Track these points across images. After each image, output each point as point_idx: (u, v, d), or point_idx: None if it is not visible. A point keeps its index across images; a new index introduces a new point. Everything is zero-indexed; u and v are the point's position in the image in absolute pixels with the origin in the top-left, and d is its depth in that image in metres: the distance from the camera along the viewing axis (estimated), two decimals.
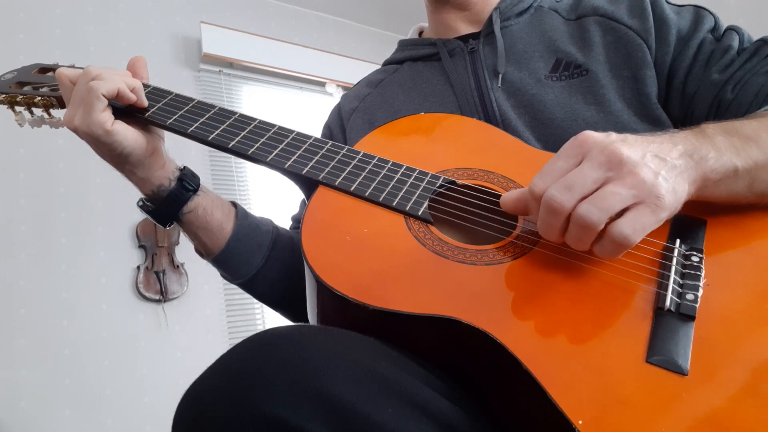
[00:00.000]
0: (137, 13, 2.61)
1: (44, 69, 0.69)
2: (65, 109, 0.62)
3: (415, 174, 0.55)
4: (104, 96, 0.55)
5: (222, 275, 0.71)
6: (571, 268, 0.45)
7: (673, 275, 0.43)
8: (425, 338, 0.43)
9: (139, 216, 2.32)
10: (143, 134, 0.60)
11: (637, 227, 0.39)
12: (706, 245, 0.46)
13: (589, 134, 0.43)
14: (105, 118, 0.56)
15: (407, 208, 0.52)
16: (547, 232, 0.43)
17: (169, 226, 0.65)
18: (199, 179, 0.66)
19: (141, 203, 0.64)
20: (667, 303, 0.41)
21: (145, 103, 0.60)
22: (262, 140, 0.59)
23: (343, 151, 0.58)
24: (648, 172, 0.40)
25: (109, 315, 2.20)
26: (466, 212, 0.53)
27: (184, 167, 0.65)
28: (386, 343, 0.41)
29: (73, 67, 0.69)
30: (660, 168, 0.41)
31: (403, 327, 0.43)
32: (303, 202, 0.78)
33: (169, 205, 0.63)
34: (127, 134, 0.57)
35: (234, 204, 0.70)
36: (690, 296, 0.41)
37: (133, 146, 0.58)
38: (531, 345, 0.39)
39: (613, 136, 0.43)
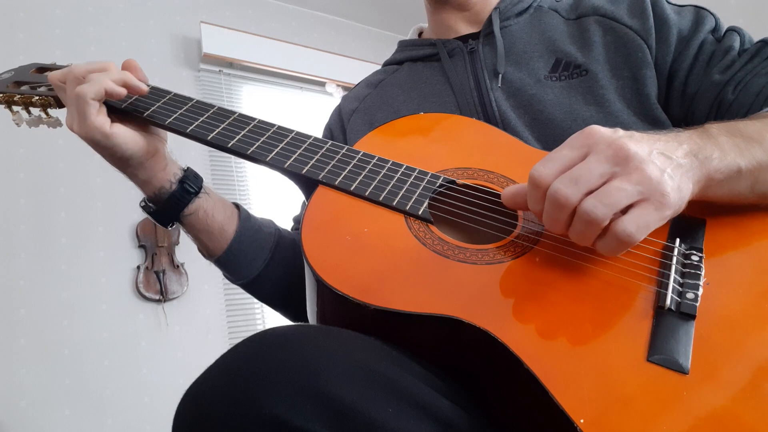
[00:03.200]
0: (137, 13, 2.61)
1: (42, 69, 0.69)
2: (63, 109, 0.62)
3: (415, 173, 0.55)
4: (93, 99, 0.54)
5: (225, 276, 0.72)
6: (572, 268, 0.45)
7: (673, 274, 0.43)
8: (426, 338, 0.43)
9: (139, 216, 2.33)
10: (143, 136, 0.59)
11: (640, 224, 0.39)
12: (706, 245, 0.46)
13: (597, 128, 0.43)
14: (101, 121, 0.55)
15: (407, 207, 0.52)
16: (551, 224, 0.43)
17: (171, 227, 0.65)
18: (201, 181, 0.65)
19: (143, 204, 0.64)
20: (668, 302, 0.41)
21: (143, 88, 0.59)
22: (262, 140, 0.59)
23: (343, 151, 0.58)
24: (654, 169, 0.40)
25: (109, 315, 2.20)
26: (467, 211, 0.53)
27: (188, 169, 0.65)
28: (387, 343, 0.41)
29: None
30: (666, 166, 0.41)
31: (404, 326, 0.42)
32: (304, 203, 0.78)
33: (169, 207, 0.63)
34: (127, 136, 0.57)
35: (237, 206, 0.70)
36: (690, 295, 0.41)
37: (133, 149, 0.58)
38: (532, 344, 0.39)
39: (621, 131, 0.43)
